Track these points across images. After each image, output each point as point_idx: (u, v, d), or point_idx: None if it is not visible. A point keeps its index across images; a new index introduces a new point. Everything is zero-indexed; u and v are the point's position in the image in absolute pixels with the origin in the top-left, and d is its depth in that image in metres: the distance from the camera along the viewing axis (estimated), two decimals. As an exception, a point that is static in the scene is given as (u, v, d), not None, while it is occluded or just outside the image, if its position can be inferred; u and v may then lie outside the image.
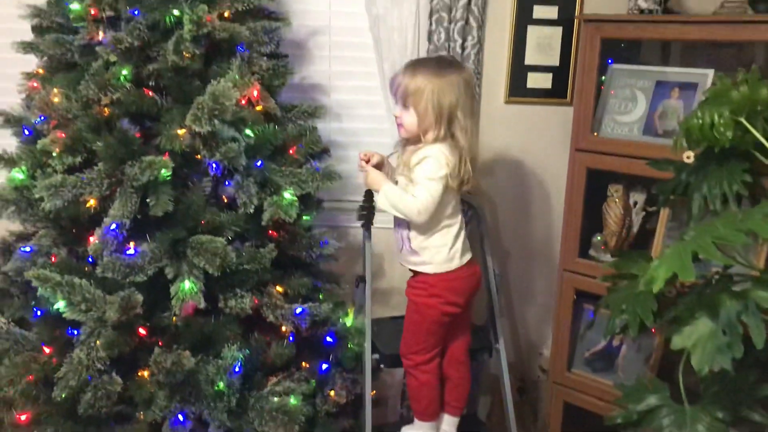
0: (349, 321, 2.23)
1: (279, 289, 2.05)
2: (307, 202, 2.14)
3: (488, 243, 2.38)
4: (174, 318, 1.90)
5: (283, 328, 2.05)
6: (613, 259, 2.54)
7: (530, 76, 2.75)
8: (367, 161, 2.17)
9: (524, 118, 2.80)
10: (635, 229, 2.60)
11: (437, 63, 2.11)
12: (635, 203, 2.59)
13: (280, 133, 2.06)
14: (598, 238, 2.62)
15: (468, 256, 2.18)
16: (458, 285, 2.14)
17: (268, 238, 2.07)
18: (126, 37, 1.87)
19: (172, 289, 1.87)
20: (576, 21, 2.68)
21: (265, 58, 2.05)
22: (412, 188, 2.03)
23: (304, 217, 2.21)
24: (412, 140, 2.13)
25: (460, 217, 2.16)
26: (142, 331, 1.88)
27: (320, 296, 2.15)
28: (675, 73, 2.42)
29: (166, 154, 1.90)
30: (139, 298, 1.82)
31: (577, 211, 2.55)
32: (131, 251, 1.87)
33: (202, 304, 1.87)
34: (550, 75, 2.74)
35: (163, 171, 1.84)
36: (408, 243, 2.12)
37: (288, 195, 1.99)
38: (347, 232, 2.91)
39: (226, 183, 1.98)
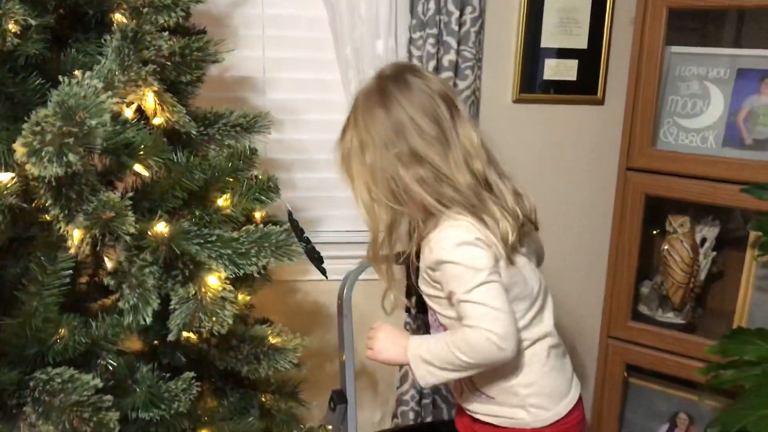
0: (319, 461, 1.38)
1: (207, 438, 1.18)
2: (246, 278, 1.26)
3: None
4: None
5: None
6: (676, 318, 1.85)
7: (548, 64, 1.96)
8: None
9: (540, 123, 2.00)
10: (703, 275, 1.87)
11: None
12: (703, 241, 1.86)
13: (200, 168, 1.17)
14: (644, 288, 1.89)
15: (578, 383, 1.37)
16: None
17: (180, 348, 1.19)
18: None
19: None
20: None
21: (166, 34, 1.15)
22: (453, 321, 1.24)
23: (241, 298, 1.34)
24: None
25: (542, 300, 1.32)
26: None
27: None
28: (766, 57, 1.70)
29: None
30: None
31: (631, 255, 1.82)
32: None
33: (60, 506, 0.98)
34: (576, 62, 1.96)
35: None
36: (471, 385, 1.29)
37: (215, 281, 1.11)
38: (294, 288, 2.06)
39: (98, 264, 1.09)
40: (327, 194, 1.94)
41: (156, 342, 1.25)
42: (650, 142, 1.74)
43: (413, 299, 1.81)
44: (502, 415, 1.28)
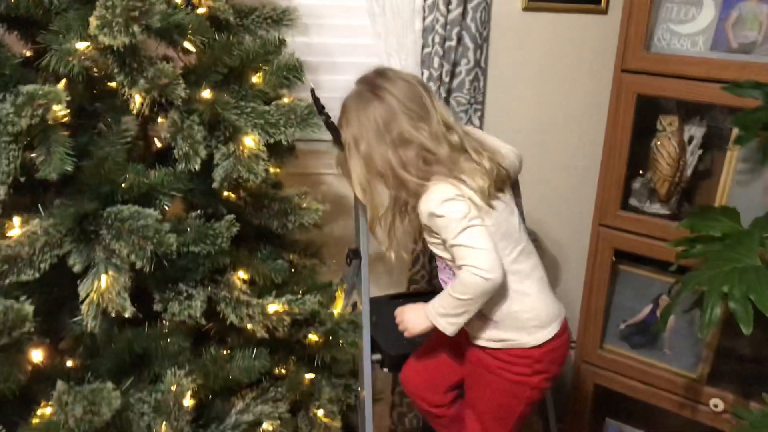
0: (337, 308, 1.63)
1: (243, 275, 1.42)
2: (276, 149, 1.49)
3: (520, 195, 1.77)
4: (87, 330, 1.25)
5: (250, 328, 1.44)
6: (662, 209, 2.04)
7: (555, -26, 2.11)
8: None
9: (547, 31, 2.17)
10: (689, 171, 2.05)
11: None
12: (691, 139, 2.03)
13: (237, 49, 1.39)
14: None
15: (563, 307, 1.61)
16: (562, 352, 1.58)
17: (222, 204, 1.43)
18: None
19: (82, 289, 1.23)
20: None
21: (208, -71, 1.36)
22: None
23: (272, 170, 1.57)
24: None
25: (526, 241, 1.57)
26: (37, 355, 1.24)
27: (300, 285, 1.53)
28: (756, -35, 1.83)
29: (62, 81, 1.22)
30: (28, 309, 1.17)
31: (623, 150, 2.00)
32: (14, 234, 1.21)
33: (129, 312, 1.23)
34: (581, -28, 2.11)
35: (55, 107, 1.16)
36: (480, 315, 1.51)
37: (250, 142, 1.33)
38: (320, 181, 2.29)
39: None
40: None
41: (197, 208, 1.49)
42: (644, 46, 1.90)
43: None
44: (507, 338, 1.52)
